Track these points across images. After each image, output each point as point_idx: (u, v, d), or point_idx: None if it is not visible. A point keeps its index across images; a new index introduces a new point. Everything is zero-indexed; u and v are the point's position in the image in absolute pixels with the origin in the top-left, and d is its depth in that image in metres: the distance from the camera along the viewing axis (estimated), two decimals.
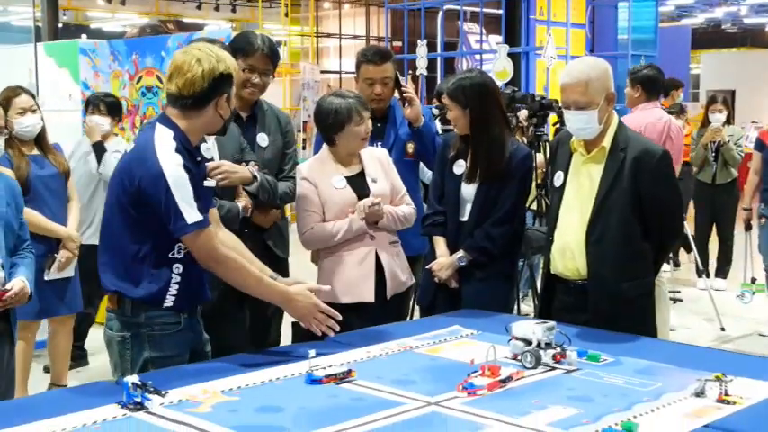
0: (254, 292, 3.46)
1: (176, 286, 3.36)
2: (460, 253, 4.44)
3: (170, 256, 3.34)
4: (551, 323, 3.33)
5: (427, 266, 4.50)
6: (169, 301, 3.36)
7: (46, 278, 5.58)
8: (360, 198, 4.33)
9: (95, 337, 7.73)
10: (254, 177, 4.22)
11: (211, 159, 4.14)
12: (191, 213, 3.21)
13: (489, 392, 2.92)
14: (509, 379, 3.03)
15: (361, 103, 4.33)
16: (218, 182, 4.00)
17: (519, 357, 3.27)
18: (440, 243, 4.53)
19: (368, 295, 4.32)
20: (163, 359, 3.36)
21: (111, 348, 3.47)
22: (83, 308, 6.20)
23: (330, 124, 4.35)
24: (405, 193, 4.54)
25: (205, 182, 3.49)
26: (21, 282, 3.85)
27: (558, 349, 3.25)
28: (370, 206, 4.29)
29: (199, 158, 3.42)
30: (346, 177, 4.37)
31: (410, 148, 5.09)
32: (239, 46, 4.46)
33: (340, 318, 3.50)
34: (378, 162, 4.46)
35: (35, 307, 5.56)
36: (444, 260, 4.47)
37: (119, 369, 3.43)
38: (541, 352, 3.23)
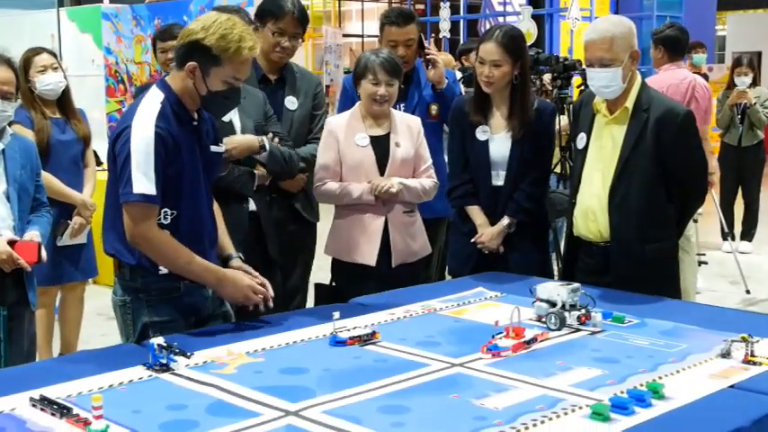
0: (183, 272, 3.29)
1: None
2: (507, 219, 4.35)
3: (157, 223, 3.25)
4: (576, 285, 3.32)
5: (473, 239, 4.41)
6: (164, 269, 3.31)
7: (58, 244, 5.61)
8: (379, 160, 4.31)
9: None
10: (263, 147, 4.13)
11: (230, 122, 4.12)
12: (141, 183, 3.12)
13: (514, 354, 2.92)
14: (533, 340, 3.03)
15: (384, 65, 4.25)
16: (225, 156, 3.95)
17: (544, 319, 3.26)
18: (477, 212, 4.41)
19: (369, 258, 4.29)
20: (161, 324, 3.32)
21: (115, 312, 3.47)
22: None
23: (354, 74, 4.39)
24: (429, 165, 4.48)
25: (212, 147, 3.42)
26: (32, 234, 3.89)
27: (583, 311, 3.24)
28: (384, 191, 4.23)
29: (195, 122, 3.33)
30: (371, 137, 4.34)
31: (433, 109, 5.06)
32: (269, 9, 4.46)
33: (272, 295, 3.38)
34: (407, 128, 4.42)
35: (49, 272, 5.60)
36: (493, 230, 4.36)
37: (123, 333, 3.44)
38: (566, 314, 3.23)
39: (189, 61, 3.22)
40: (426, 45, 5.10)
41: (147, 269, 3.30)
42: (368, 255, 4.29)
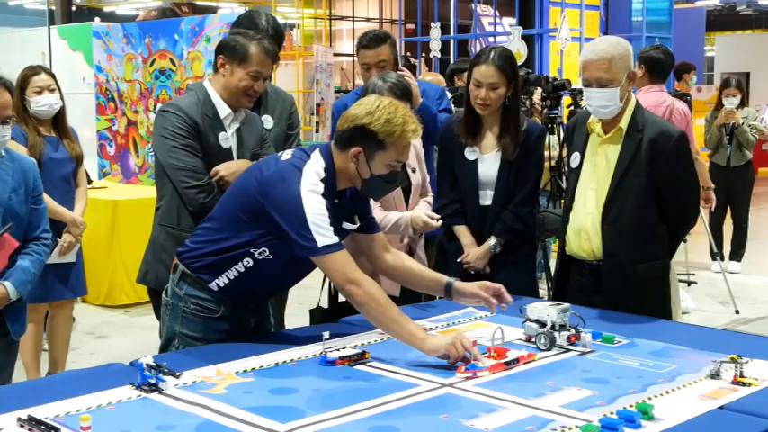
0: (394, 324, 3.15)
1: (234, 274, 3.31)
2: (493, 240, 4.34)
3: (250, 250, 3.27)
4: (566, 305, 3.33)
5: (459, 259, 4.37)
6: (221, 282, 3.33)
7: (47, 261, 5.59)
8: (403, 189, 4.28)
9: (109, 321, 7.78)
10: None
11: (229, 149, 4.09)
12: (323, 236, 3.11)
13: (491, 374, 2.91)
14: (515, 362, 3.02)
15: (394, 91, 4.19)
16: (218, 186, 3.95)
17: (533, 339, 3.27)
18: (464, 232, 4.41)
19: (393, 289, 4.19)
20: (189, 338, 3.38)
21: (161, 310, 3.54)
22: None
23: None
24: (428, 180, 4.51)
25: (344, 224, 3.38)
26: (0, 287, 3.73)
27: (573, 331, 3.25)
28: (425, 224, 4.19)
29: (337, 201, 3.28)
30: None
31: None
32: (244, 27, 4.44)
33: (480, 357, 3.10)
34: (413, 149, 4.42)
35: (38, 290, 5.59)
36: (479, 250, 4.35)
37: (160, 334, 3.52)
38: (556, 334, 3.23)
39: (353, 146, 3.20)
40: (400, 67, 5.10)
41: (195, 281, 3.36)
42: (391, 287, 4.23)
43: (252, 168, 3.40)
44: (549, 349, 3.21)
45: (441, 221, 4.26)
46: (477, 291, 3.47)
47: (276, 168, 3.23)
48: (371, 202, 3.68)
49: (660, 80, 6.68)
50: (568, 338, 3.23)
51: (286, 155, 3.31)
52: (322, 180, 3.16)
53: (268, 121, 4.55)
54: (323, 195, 3.14)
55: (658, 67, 6.62)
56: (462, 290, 3.50)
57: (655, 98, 6.48)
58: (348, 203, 3.39)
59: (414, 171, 4.36)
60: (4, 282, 3.74)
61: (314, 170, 3.18)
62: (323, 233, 3.11)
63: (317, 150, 3.28)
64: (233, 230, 3.29)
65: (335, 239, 3.14)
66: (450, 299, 3.53)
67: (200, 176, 3.93)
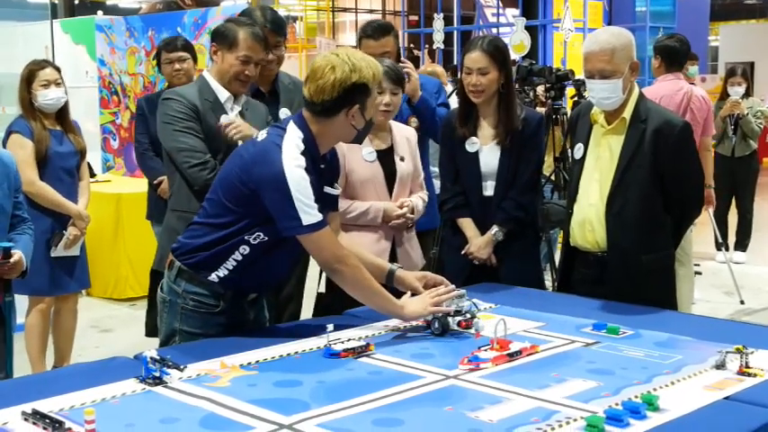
0: (376, 296, 3.35)
1: (233, 264, 3.30)
2: (495, 228, 4.34)
3: (244, 237, 3.26)
4: (461, 291, 3.40)
5: (463, 251, 4.38)
6: (221, 273, 3.32)
7: (52, 255, 5.63)
8: (387, 175, 4.29)
9: (113, 314, 7.79)
10: None
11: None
12: (308, 214, 3.13)
13: (494, 366, 2.91)
14: (518, 353, 3.02)
15: (389, 74, 4.19)
16: (231, 137, 4.03)
17: (429, 325, 3.35)
18: (468, 225, 4.41)
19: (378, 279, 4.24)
20: (189, 334, 3.36)
21: (159, 306, 3.52)
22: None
23: None
24: (422, 177, 4.51)
25: (327, 188, 3.39)
26: (17, 254, 3.77)
27: (467, 316, 3.34)
28: (400, 222, 4.26)
29: (322, 166, 3.32)
30: (376, 150, 4.31)
31: (413, 122, 5.05)
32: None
33: (449, 289, 3.39)
34: (406, 140, 4.41)
35: (45, 283, 5.62)
36: (481, 240, 4.35)
37: (159, 329, 3.51)
38: (449, 319, 3.31)
39: (351, 106, 3.22)
40: (402, 58, 5.08)
41: (193, 277, 3.35)
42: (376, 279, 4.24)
43: (232, 155, 3.41)
44: (441, 334, 3.29)
45: (411, 215, 4.30)
46: (415, 284, 3.49)
47: (255, 150, 3.25)
48: (341, 194, 3.76)
49: (676, 68, 6.63)
50: (459, 323, 3.33)
51: (261, 135, 3.33)
52: (302, 153, 3.17)
53: (286, 114, 4.55)
54: (306, 170, 3.15)
55: (672, 56, 6.58)
56: (403, 279, 3.53)
57: (670, 86, 6.47)
58: (329, 167, 3.42)
59: (402, 159, 4.35)
60: (17, 251, 3.78)
61: (293, 143, 3.18)
62: (307, 211, 3.13)
63: (291, 122, 3.28)
64: (222, 220, 3.28)
65: (320, 217, 3.17)
66: (393, 285, 3.54)
67: (201, 155, 4.05)
